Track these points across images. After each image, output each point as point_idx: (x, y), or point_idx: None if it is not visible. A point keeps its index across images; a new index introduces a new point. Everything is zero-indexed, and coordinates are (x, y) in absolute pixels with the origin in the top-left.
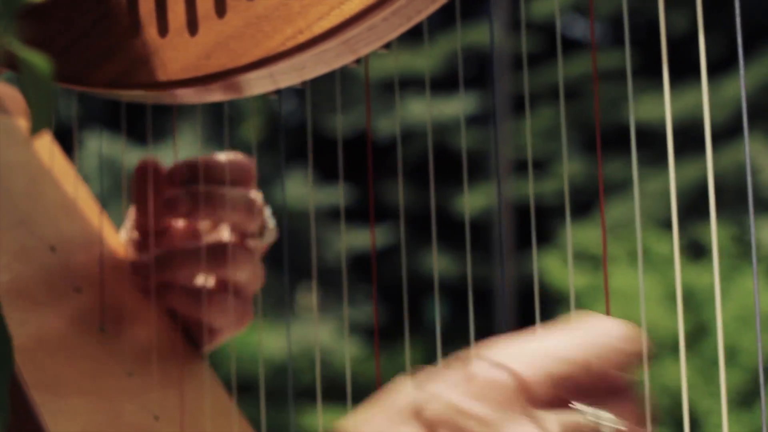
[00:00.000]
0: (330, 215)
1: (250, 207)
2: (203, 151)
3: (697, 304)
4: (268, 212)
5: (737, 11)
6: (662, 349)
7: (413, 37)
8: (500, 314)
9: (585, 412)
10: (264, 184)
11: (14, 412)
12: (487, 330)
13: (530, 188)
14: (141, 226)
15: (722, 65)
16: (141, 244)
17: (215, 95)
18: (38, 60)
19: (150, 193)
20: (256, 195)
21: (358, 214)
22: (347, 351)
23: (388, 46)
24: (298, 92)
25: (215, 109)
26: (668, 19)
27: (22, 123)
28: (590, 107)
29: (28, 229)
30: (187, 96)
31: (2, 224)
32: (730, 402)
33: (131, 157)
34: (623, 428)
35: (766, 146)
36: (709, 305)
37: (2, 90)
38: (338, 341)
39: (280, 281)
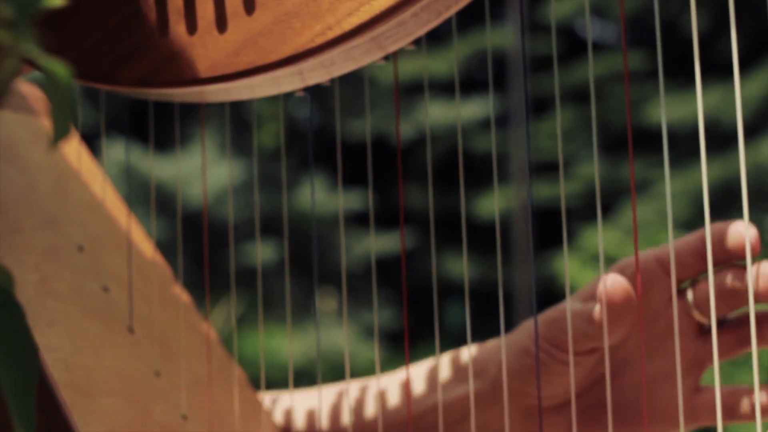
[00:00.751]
0: (348, 219)
1: None
2: (217, 158)
3: None
4: None
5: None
6: None
7: (431, 40)
8: (520, 316)
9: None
10: (278, 190)
11: (44, 412)
12: (508, 332)
13: (561, 189)
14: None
15: (741, 65)
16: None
17: (243, 93)
18: (57, 67)
19: None
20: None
21: (377, 218)
22: (377, 354)
23: (416, 43)
24: (317, 96)
25: (233, 114)
26: (683, 21)
27: (48, 123)
28: (610, 109)
29: (55, 229)
30: (215, 94)
31: (30, 224)
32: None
33: (144, 165)
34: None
35: None
36: None
37: (28, 90)
38: (358, 345)
39: (302, 286)
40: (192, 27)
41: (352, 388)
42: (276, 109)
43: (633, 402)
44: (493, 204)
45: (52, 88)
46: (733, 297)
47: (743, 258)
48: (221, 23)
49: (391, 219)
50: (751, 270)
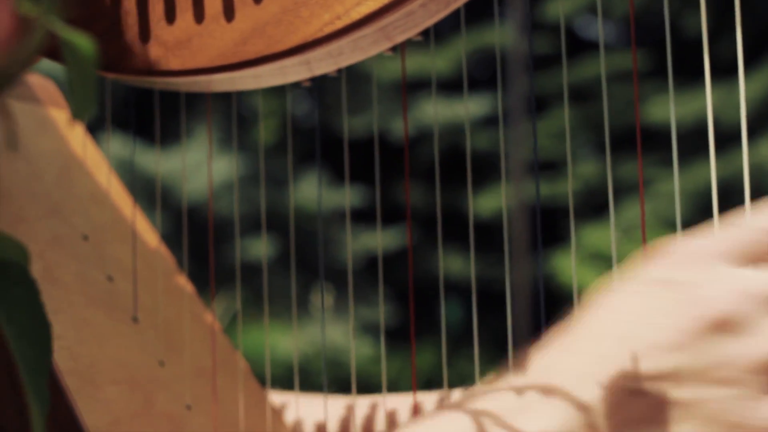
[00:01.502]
0: (343, 216)
1: None
2: (216, 153)
3: None
4: None
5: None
6: None
7: (427, 38)
8: (517, 314)
9: None
10: (277, 186)
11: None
12: (502, 330)
13: (569, 186)
14: None
15: (737, 66)
16: None
17: (249, 83)
18: (82, 41)
19: None
20: None
21: (372, 216)
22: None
23: (423, 34)
24: (311, 93)
25: (228, 110)
26: (683, 21)
27: (53, 113)
28: (609, 108)
29: (60, 218)
30: (222, 83)
31: (34, 213)
32: None
33: (143, 159)
34: None
35: None
36: None
37: (34, 80)
38: (354, 341)
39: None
40: (199, 16)
41: (360, 403)
42: (275, 105)
43: None
44: (490, 202)
45: (74, 63)
46: None
47: None
48: (229, 12)
49: (388, 216)
50: None
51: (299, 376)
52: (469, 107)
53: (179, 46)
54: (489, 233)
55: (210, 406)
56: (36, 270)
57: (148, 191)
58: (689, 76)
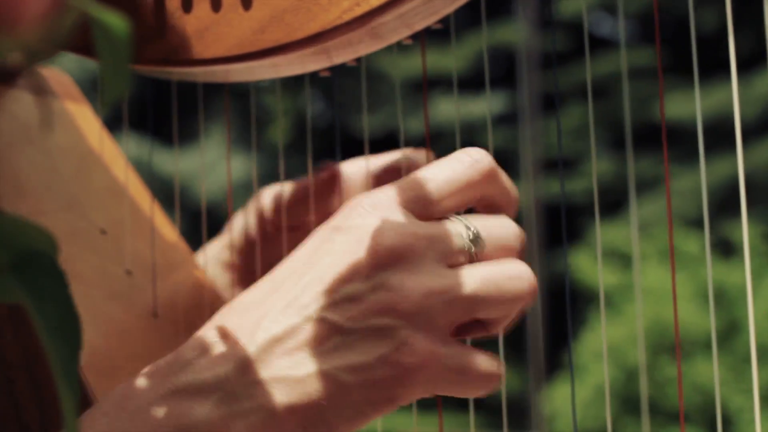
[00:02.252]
0: None
1: None
2: (231, 153)
3: (728, 302)
4: None
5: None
6: (694, 347)
7: (441, 35)
8: (530, 312)
9: (460, 220)
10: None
11: None
12: (518, 328)
13: (593, 184)
14: (275, 216)
15: (753, 62)
16: (268, 234)
17: (268, 72)
18: (114, 20)
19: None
20: None
21: None
22: None
23: (442, 21)
24: (326, 93)
25: (243, 110)
26: (698, 17)
27: (70, 107)
28: (619, 105)
29: (78, 212)
30: (240, 73)
31: (52, 206)
32: (762, 399)
33: (159, 158)
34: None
35: None
36: (740, 303)
37: (50, 73)
38: None
39: None
40: (216, 4)
41: None
42: (287, 104)
43: None
44: None
45: (106, 43)
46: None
47: None
48: (246, 0)
49: None
50: None
51: None
52: (481, 105)
53: (196, 36)
54: None
55: None
56: None
57: (164, 191)
58: (703, 72)
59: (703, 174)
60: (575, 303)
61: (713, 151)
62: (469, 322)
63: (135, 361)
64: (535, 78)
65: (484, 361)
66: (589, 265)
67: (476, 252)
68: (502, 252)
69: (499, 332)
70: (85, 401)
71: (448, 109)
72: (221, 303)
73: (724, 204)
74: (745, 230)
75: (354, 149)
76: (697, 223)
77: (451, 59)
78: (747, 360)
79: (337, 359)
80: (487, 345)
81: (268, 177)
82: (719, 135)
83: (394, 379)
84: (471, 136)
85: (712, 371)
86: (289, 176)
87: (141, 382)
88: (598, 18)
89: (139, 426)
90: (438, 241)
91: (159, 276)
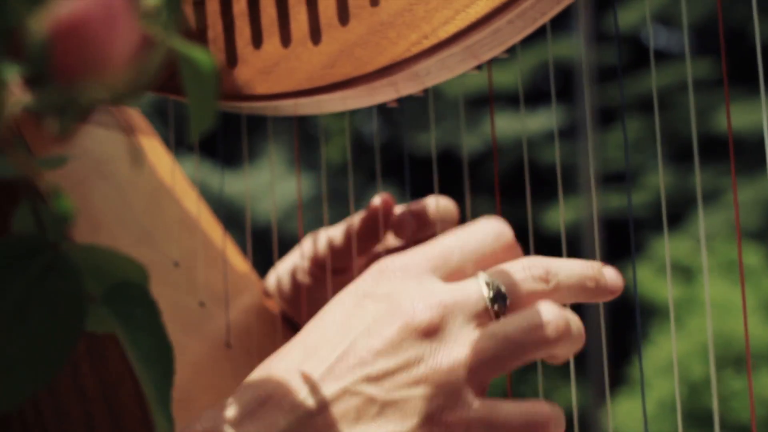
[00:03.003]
0: None
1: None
2: (284, 174)
3: None
4: None
5: None
6: (757, 359)
7: (512, 54)
8: (590, 327)
9: (481, 278)
10: (345, 205)
11: (145, 425)
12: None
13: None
14: (322, 260)
15: None
16: (316, 276)
17: (336, 105)
18: (200, 55)
19: (377, 233)
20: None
21: None
22: None
23: (509, 51)
24: (383, 111)
25: (300, 129)
26: (752, 27)
27: (141, 140)
28: (678, 118)
29: (151, 246)
30: (308, 107)
31: (126, 241)
32: None
33: (211, 181)
34: (503, 288)
35: None
36: None
37: (121, 108)
38: None
39: None
40: (286, 39)
41: None
42: (342, 124)
43: None
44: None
45: (193, 78)
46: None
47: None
48: (315, 35)
49: None
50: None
51: None
52: (537, 120)
53: (267, 71)
54: (560, 247)
55: None
56: None
57: (220, 212)
58: (757, 83)
59: None
60: (634, 317)
61: None
62: None
63: (210, 392)
64: (591, 92)
65: (520, 413)
66: (650, 279)
67: (501, 308)
68: (528, 299)
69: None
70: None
71: (504, 124)
72: (290, 332)
73: None
74: None
75: (413, 165)
76: (757, 236)
77: (507, 75)
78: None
79: (374, 431)
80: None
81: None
82: None
83: None
84: (529, 152)
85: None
86: (346, 195)
87: None
88: (654, 30)
89: None
90: (464, 306)
91: (231, 306)
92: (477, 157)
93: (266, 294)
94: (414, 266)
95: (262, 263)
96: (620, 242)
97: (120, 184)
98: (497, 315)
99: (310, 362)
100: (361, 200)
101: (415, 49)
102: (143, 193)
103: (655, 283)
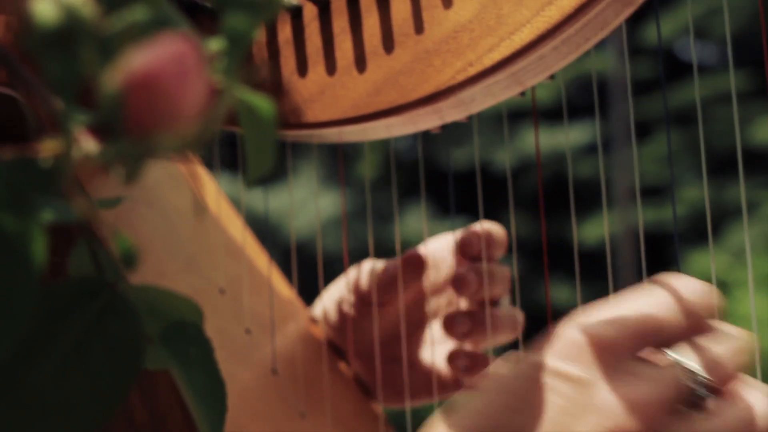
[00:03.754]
0: None
1: (507, 281)
2: (321, 189)
3: None
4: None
5: None
6: None
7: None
8: None
9: (673, 359)
10: (383, 220)
11: None
12: None
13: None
14: (366, 294)
15: None
16: (361, 309)
17: (380, 132)
18: (262, 103)
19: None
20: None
21: None
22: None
23: (552, 76)
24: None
25: (330, 146)
26: None
27: (184, 167)
28: (714, 131)
29: (197, 273)
30: (353, 134)
31: (173, 268)
32: None
33: (249, 197)
34: (704, 375)
35: None
36: None
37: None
38: None
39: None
40: (331, 68)
41: None
42: (376, 141)
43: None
44: (595, 229)
45: (251, 122)
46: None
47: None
48: (360, 63)
49: None
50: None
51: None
52: (573, 135)
53: (312, 99)
54: (595, 261)
55: None
56: None
57: (254, 229)
58: None
59: None
60: None
61: None
62: None
63: (257, 420)
64: (625, 106)
65: None
66: None
67: (704, 395)
68: (725, 381)
69: None
70: None
71: (540, 139)
72: (335, 358)
73: None
74: None
75: (443, 182)
76: None
77: (540, 89)
78: None
79: None
80: None
81: (359, 213)
82: None
83: None
84: (560, 167)
85: None
86: (378, 211)
87: None
88: (685, 43)
89: None
90: (671, 401)
91: (277, 333)
92: (513, 171)
93: (312, 320)
94: (612, 347)
95: (297, 281)
96: (655, 256)
97: (166, 211)
98: (700, 403)
99: None
100: (396, 216)
101: (460, 77)
102: (189, 220)
103: None
